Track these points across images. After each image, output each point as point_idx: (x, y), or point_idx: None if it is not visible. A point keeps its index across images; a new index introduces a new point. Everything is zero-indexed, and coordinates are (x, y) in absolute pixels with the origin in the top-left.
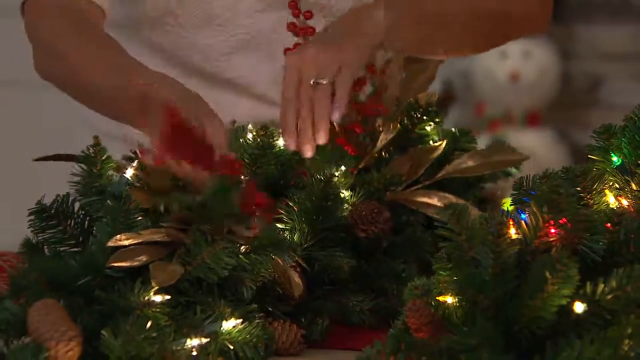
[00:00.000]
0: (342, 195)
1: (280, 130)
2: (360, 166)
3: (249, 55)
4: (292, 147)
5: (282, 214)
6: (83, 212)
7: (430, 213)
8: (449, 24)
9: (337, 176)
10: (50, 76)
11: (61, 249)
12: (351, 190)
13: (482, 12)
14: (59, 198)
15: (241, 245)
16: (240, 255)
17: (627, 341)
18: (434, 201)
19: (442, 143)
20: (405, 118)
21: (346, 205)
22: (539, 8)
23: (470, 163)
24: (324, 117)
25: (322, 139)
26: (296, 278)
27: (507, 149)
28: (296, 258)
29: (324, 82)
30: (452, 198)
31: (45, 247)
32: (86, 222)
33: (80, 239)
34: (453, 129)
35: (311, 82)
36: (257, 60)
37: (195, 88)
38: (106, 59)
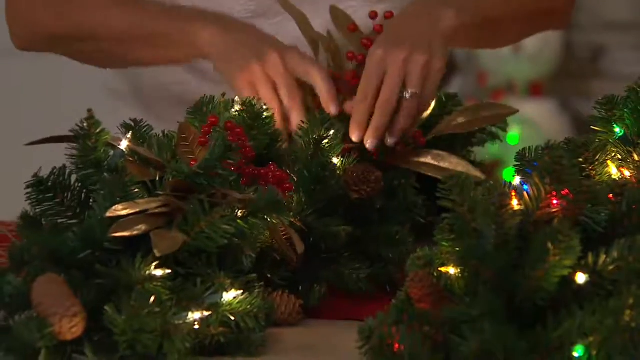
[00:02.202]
0: (334, 161)
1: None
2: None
3: (269, 21)
4: (357, 139)
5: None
6: (80, 185)
7: (424, 171)
8: (500, 26)
9: (327, 139)
10: (34, 36)
11: (59, 221)
12: (342, 157)
13: (522, 13)
14: (55, 171)
15: (238, 209)
16: (239, 220)
17: (628, 311)
18: (428, 160)
19: (431, 102)
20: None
21: (339, 172)
22: (564, 4)
23: (460, 120)
24: (401, 125)
25: (391, 143)
26: (297, 236)
27: (496, 104)
28: (294, 221)
29: (416, 92)
30: (446, 155)
31: (42, 219)
32: (83, 194)
33: (78, 210)
34: (439, 94)
35: (407, 95)
36: (277, 26)
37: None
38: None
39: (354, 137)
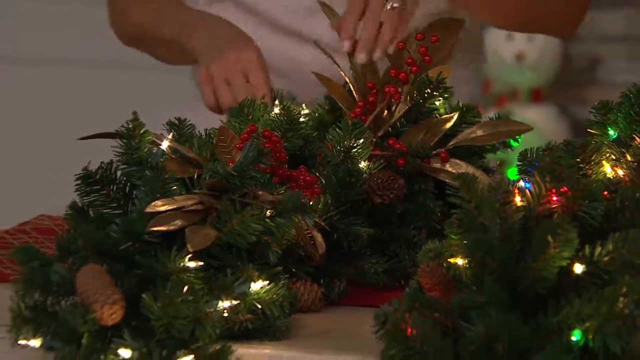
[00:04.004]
0: (361, 166)
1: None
2: (378, 134)
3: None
4: (347, 49)
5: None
6: (124, 179)
7: (442, 177)
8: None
9: (356, 147)
10: (119, 34)
11: (104, 211)
12: (368, 161)
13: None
14: (103, 165)
15: (267, 209)
16: (267, 219)
17: (622, 299)
18: (446, 167)
19: (454, 115)
20: (416, 92)
21: (365, 175)
22: (569, 15)
23: (479, 132)
24: (387, 36)
25: (378, 56)
26: (319, 238)
27: (513, 121)
28: (318, 221)
29: (398, 6)
30: (463, 164)
31: (89, 209)
32: (127, 187)
33: (122, 202)
34: (460, 105)
35: (388, 6)
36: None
37: (274, 43)
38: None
39: (345, 47)
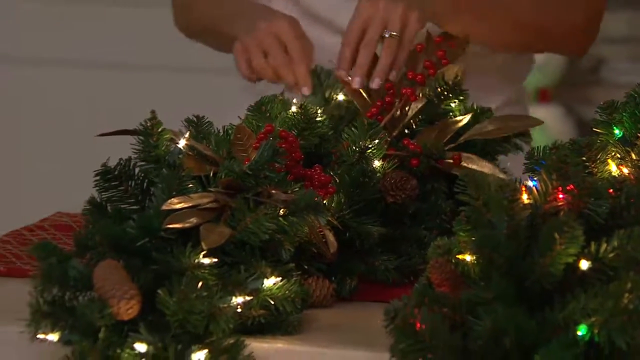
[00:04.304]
0: (375, 165)
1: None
2: (393, 134)
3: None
4: (344, 77)
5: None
6: (142, 175)
7: (455, 171)
8: (495, 22)
9: (371, 148)
10: (182, 27)
11: (122, 206)
12: (382, 160)
13: (521, 21)
14: (121, 161)
15: (280, 208)
16: (280, 218)
17: (627, 295)
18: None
19: (467, 116)
20: (432, 93)
21: (378, 175)
22: (580, 36)
23: (490, 127)
24: (386, 66)
25: (375, 84)
26: (331, 237)
27: (523, 115)
28: (331, 220)
29: (395, 35)
30: (475, 158)
31: (107, 205)
32: (145, 184)
33: (140, 198)
34: (475, 106)
35: (385, 35)
36: None
37: (313, 33)
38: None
39: (341, 74)
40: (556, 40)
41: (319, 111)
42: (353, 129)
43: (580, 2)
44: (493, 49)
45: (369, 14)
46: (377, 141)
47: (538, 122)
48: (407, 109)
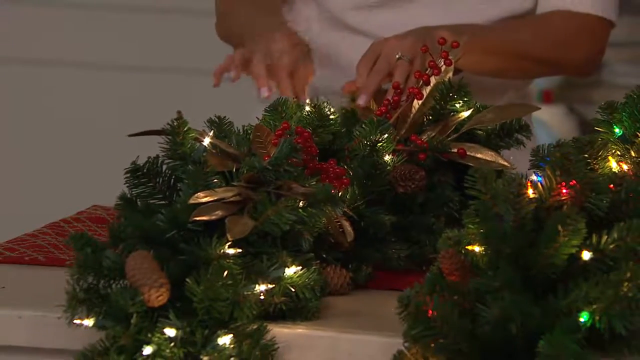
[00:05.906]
0: (385, 159)
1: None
2: (401, 131)
3: (389, 11)
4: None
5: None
6: (169, 172)
7: (457, 159)
8: (500, 56)
9: (381, 142)
10: (220, 35)
11: (151, 202)
12: (392, 155)
13: (526, 56)
14: (150, 159)
15: (300, 200)
16: (299, 210)
17: (626, 284)
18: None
19: (469, 110)
20: (438, 96)
21: (388, 168)
22: (583, 68)
23: (489, 116)
24: (397, 81)
25: (388, 96)
26: (348, 227)
27: (521, 104)
28: (347, 210)
29: (407, 59)
30: (478, 146)
31: (138, 200)
32: (172, 180)
33: (167, 193)
34: (478, 105)
35: (397, 56)
36: (393, 17)
37: (339, 39)
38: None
39: (346, 91)
40: (559, 71)
41: (332, 109)
42: (363, 126)
43: (583, 42)
44: (497, 78)
45: (381, 47)
46: (386, 136)
47: (536, 108)
48: (415, 107)
